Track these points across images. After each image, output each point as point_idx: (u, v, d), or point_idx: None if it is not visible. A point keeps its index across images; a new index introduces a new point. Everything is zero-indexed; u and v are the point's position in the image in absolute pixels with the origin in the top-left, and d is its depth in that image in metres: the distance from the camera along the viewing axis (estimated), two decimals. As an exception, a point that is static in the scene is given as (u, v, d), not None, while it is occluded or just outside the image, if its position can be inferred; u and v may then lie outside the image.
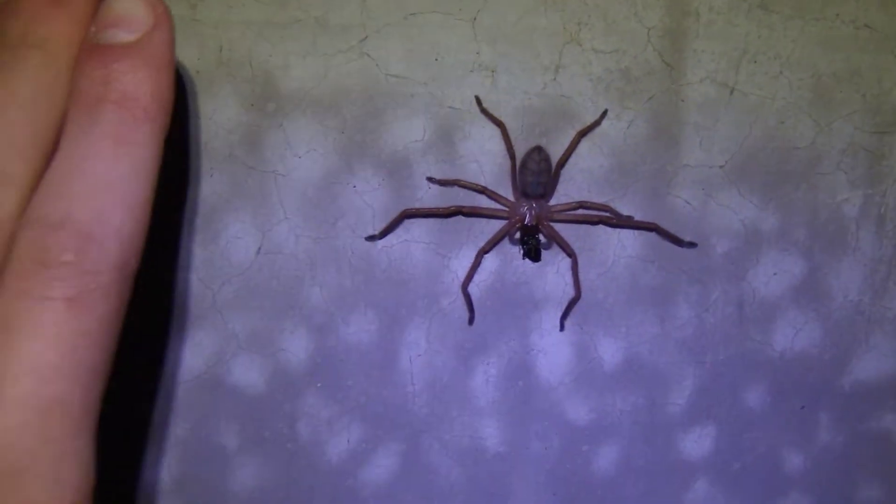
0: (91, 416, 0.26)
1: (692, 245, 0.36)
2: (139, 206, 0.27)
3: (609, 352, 0.37)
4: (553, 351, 0.37)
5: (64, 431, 0.26)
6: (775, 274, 0.37)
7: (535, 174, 0.35)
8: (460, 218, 0.35)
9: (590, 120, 0.35)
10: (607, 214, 0.36)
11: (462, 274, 0.36)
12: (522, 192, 0.35)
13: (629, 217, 0.36)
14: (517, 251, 0.36)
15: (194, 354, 0.36)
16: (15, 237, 0.26)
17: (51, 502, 0.25)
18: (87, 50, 0.27)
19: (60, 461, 0.26)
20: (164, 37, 0.27)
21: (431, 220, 0.35)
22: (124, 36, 0.27)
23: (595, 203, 0.35)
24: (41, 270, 0.25)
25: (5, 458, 0.24)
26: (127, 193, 0.27)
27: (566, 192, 0.36)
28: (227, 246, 0.35)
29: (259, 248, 0.35)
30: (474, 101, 0.35)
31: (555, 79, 0.35)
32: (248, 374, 0.36)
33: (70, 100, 0.27)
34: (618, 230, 0.36)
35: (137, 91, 0.27)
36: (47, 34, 0.27)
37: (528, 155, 0.35)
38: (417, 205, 0.35)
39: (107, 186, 0.26)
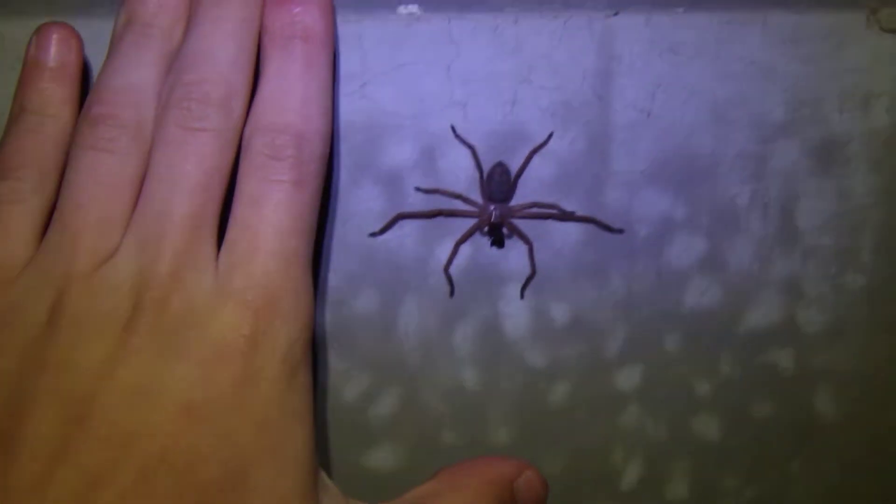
0: (310, 263, 0.36)
1: (620, 231, 0.46)
2: (328, 112, 0.36)
3: (559, 313, 0.47)
4: (516, 314, 0.46)
5: (298, 273, 0.35)
6: (685, 250, 0.46)
7: (498, 183, 0.44)
8: (441, 218, 0.45)
9: (540, 140, 0.44)
10: (555, 211, 0.45)
11: (444, 259, 0.45)
12: (489, 196, 0.44)
13: (572, 212, 0.45)
14: (486, 241, 0.45)
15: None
16: (248, 139, 0.35)
17: (297, 314, 0.34)
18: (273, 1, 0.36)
19: (298, 292, 0.35)
20: None
21: (419, 221, 0.45)
22: None
23: (545, 203, 0.45)
24: (273, 163, 0.34)
25: (266, 290, 0.33)
26: (321, 103, 0.36)
27: (523, 195, 0.45)
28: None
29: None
30: (450, 130, 0.44)
31: (512, 110, 0.44)
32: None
33: (265, 37, 0.36)
34: (564, 223, 0.45)
35: (315, 28, 0.36)
36: None
37: (493, 168, 0.44)
38: (408, 209, 0.45)
39: (308, 100, 0.36)
